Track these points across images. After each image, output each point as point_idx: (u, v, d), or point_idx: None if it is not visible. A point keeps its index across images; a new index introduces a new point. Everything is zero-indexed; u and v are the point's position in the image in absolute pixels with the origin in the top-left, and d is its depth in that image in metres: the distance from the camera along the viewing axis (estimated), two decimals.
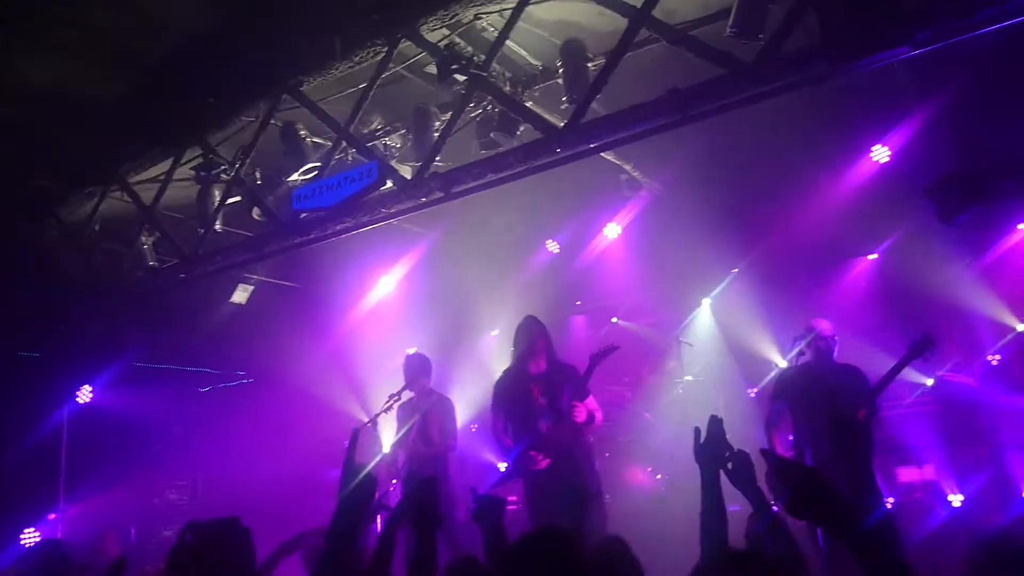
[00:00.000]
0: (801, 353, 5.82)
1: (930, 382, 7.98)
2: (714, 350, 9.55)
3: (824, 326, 5.91)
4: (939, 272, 7.76)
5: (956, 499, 6.90)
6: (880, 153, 7.63)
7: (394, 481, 6.93)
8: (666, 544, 4.95)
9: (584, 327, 11.04)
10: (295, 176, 6.67)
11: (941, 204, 4.15)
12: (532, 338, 5.81)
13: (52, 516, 7.97)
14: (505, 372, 6.00)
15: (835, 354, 5.88)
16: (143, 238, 7.59)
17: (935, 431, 7.53)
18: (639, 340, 10.21)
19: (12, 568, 5.99)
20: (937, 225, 4.32)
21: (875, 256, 8.85)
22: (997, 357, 7.81)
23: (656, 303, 10.20)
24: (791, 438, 5.78)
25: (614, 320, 10.55)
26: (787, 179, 8.08)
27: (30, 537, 7.64)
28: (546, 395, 5.66)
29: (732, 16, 5.11)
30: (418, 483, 3.03)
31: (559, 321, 10.37)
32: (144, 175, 7.41)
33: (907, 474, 7.54)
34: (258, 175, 7.08)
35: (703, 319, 9.96)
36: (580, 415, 5.53)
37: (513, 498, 8.35)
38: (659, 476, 8.16)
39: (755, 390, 8.61)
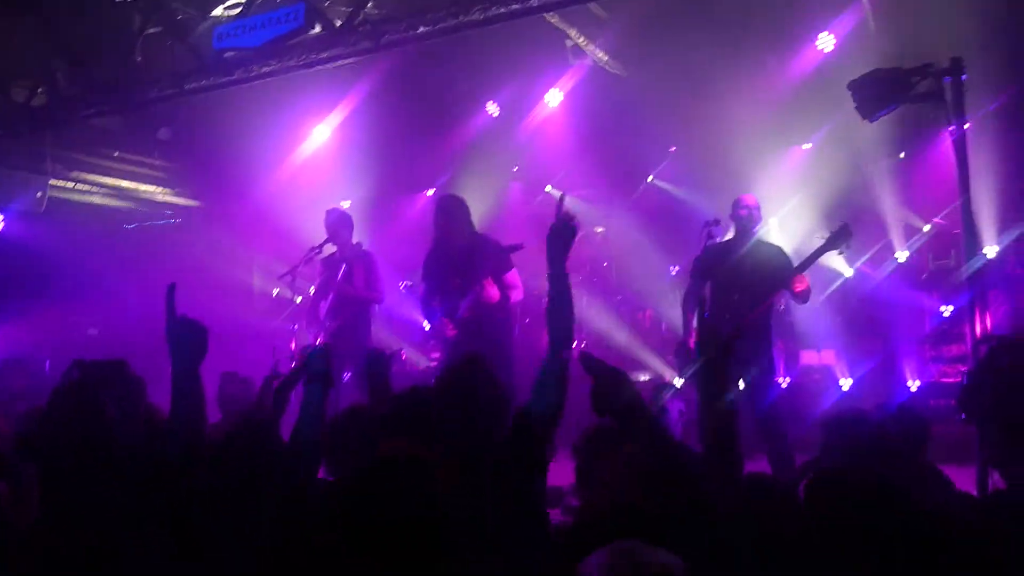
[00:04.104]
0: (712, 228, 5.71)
1: (850, 273, 8.14)
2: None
3: (747, 198, 5.70)
4: (863, 167, 7.89)
5: (846, 383, 7.33)
6: (825, 41, 7.60)
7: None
8: None
9: (520, 193, 11.00)
10: (218, 11, 6.30)
11: (863, 99, 4.19)
12: (448, 216, 5.79)
13: None
14: (430, 249, 6.01)
15: (756, 228, 5.67)
16: (55, 62, 7.19)
17: (838, 319, 7.87)
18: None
19: None
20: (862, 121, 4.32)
21: (809, 146, 8.89)
22: (905, 254, 8.07)
23: (592, 175, 10.15)
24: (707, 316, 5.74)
25: (548, 189, 10.51)
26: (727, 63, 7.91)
27: None
28: (461, 275, 5.70)
29: None
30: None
31: (497, 186, 10.31)
32: None
33: (808, 357, 7.94)
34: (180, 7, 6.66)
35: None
36: (491, 295, 5.61)
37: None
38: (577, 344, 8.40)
39: (676, 268, 8.75)
